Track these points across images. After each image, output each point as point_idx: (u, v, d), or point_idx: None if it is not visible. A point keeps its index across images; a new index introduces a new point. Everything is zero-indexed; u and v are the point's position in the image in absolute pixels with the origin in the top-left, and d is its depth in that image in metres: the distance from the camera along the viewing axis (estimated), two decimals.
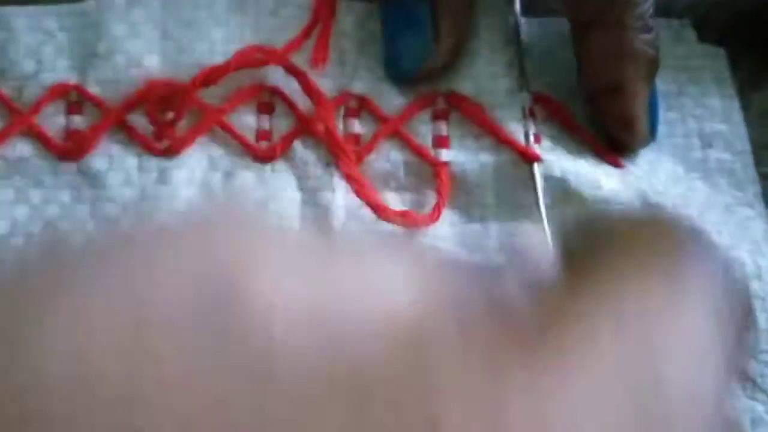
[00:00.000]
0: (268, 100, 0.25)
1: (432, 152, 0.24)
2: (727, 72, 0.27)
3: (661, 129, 0.26)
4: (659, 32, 0.24)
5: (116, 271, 0.10)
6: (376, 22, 0.25)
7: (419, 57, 0.24)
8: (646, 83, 0.24)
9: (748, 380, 0.23)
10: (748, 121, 0.27)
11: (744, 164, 0.26)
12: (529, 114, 0.25)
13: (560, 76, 0.26)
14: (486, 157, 0.24)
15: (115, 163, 0.23)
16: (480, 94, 0.25)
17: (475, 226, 0.24)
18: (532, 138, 0.24)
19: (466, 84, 0.25)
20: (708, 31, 0.28)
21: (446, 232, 0.24)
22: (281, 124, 0.24)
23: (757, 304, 0.24)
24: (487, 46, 0.25)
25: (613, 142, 0.25)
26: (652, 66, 0.24)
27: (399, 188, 0.24)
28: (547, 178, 0.24)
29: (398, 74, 0.24)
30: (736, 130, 0.27)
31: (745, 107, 0.27)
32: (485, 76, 0.25)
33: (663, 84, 0.26)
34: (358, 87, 0.25)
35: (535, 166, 0.24)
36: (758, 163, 0.26)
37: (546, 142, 0.25)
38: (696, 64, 0.27)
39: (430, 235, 0.24)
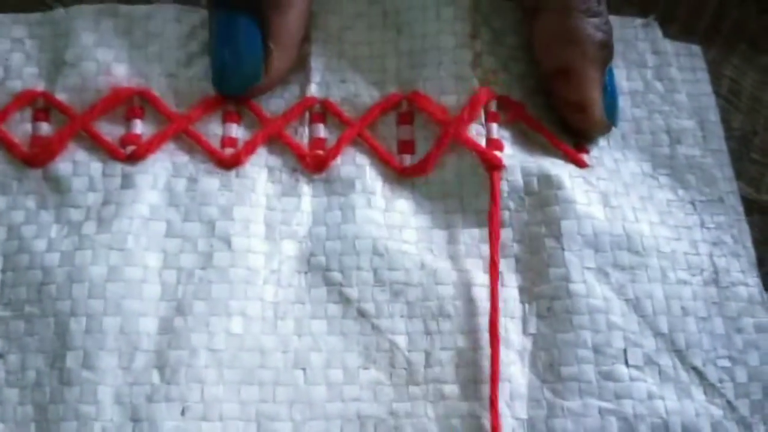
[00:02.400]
0: (234, 110, 0.25)
1: (396, 158, 0.25)
2: (700, 66, 0.28)
3: (628, 126, 0.26)
4: (608, 17, 0.24)
5: None
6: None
7: (246, 75, 0.24)
8: (598, 67, 0.24)
9: (707, 386, 0.23)
10: (738, 108, 0.27)
11: (719, 163, 0.26)
12: (490, 118, 0.25)
13: (527, 70, 0.26)
14: (451, 162, 0.25)
15: (80, 169, 0.24)
16: (444, 95, 0.25)
17: (442, 233, 0.24)
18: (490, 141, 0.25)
19: (430, 84, 0.25)
20: (673, 25, 0.28)
21: (413, 237, 0.24)
22: (248, 134, 0.25)
23: (713, 310, 0.24)
24: (452, 43, 0.25)
25: (571, 131, 0.25)
26: (603, 50, 0.24)
27: (365, 191, 0.24)
28: (510, 182, 0.24)
29: (224, 90, 0.24)
30: (710, 128, 0.27)
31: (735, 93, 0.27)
32: (449, 76, 0.25)
33: (629, 81, 0.27)
34: (323, 91, 0.25)
35: (497, 171, 0.24)
36: (748, 149, 0.26)
37: (508, 145, 0.25)
38: (662, 61, 0.27)
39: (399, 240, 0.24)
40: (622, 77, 0.27)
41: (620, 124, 0.26)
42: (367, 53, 0.26)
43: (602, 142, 0.26)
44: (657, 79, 0.27)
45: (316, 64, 0.25)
